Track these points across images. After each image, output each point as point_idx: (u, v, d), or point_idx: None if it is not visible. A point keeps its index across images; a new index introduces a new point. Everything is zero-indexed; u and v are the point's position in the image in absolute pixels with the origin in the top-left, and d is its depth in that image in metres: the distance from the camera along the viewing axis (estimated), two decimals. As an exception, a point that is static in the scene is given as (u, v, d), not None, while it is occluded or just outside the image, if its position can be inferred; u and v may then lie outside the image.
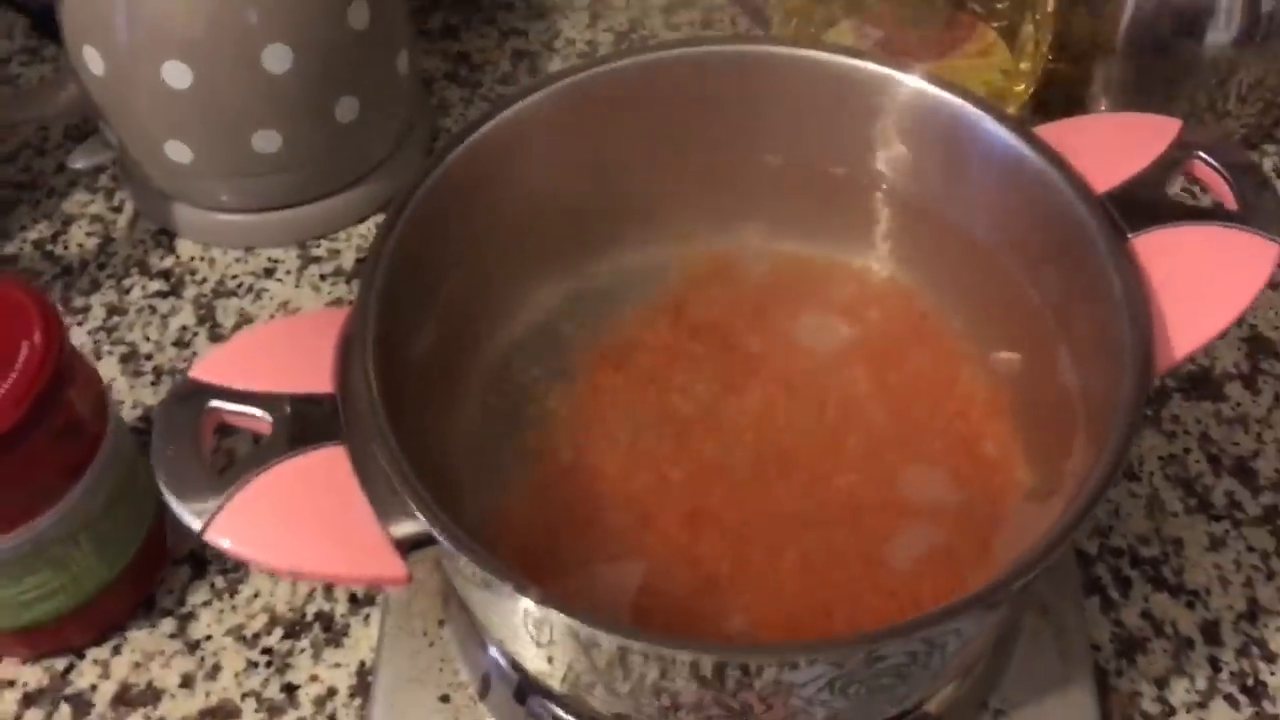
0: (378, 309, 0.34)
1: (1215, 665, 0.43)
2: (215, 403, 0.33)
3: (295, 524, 0.31)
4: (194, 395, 0.33)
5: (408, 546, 0.31)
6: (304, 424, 0.33)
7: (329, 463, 0.32)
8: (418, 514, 0.30)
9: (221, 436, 0.48)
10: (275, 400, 0.33)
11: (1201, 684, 0.43)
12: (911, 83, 0.38)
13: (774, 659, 0.28)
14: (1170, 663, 0.43)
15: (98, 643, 0.44)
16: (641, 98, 0.41)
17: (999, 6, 0.55)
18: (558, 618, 0.29)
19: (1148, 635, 0.44)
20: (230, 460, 0.49)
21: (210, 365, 0.34)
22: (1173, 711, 0.42)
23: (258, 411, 0.33)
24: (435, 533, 0.30)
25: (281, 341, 0.35)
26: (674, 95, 0.41)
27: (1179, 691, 0.43)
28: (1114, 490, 0.48)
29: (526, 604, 0.30)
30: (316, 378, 0.33)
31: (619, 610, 0.35)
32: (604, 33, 0.69)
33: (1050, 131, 0.38)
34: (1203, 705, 0.42)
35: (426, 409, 0.37)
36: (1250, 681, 0.43)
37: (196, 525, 0.30)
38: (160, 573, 0.46)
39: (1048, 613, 0.41)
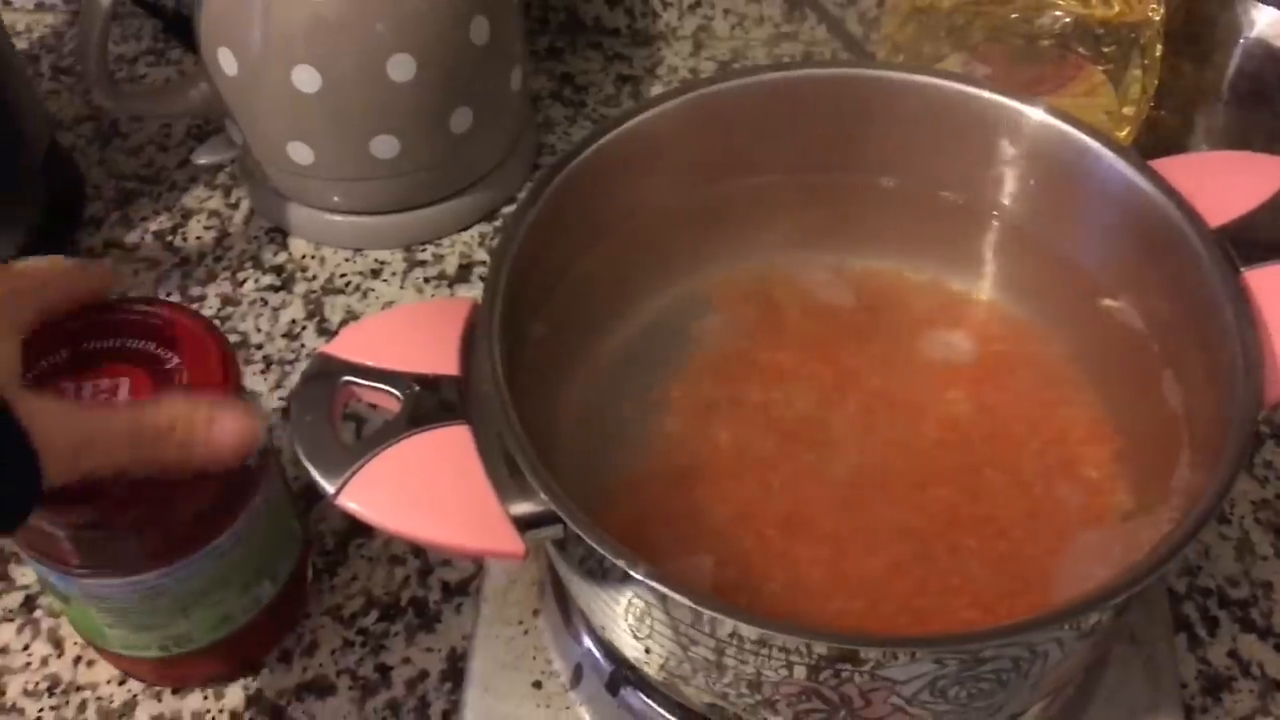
0: (503, 301, 0.36)
1: (1303, 709, 0.43)
2: (349, 378, 0.34)
3: (420, 495, 0.32)
4: (329, 370, 0.35)
5: (525, 524, 0.32)
6: (430, 403, 0.34)
7: (453, 440, 0.33)
8: (540, 494, 0.32)
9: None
10: (404, 379, 0.34)
11: (1288, 727, 0.43)
12: (1033, 114, 0.39)
13: (890, 649, 0.29)
14: (1256, 703, 0.43)
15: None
16: (756, 117, 0.42)
17: (1106, 50, 0.56)
18: (669, 597, 0.30)
19: (1234, 675, 0.44)
20: (359, 426, 0.51)
21: (343, 343, 0.35)
22: (1258, 752, 0.42)
23: (388, 388, 0.34)
24: (559, 512, 0.31)
25: (409, 325, 0.37)
26: (788, 115, 0.42)
27: (1265, 733, 0.42)
28: (1205, 532, 0.48)
29: (635, 587, 0.31)
30: (443, 360, 0.35)
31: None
32: (706, 61, 0.70)
33: (1164, 167, 0.38)
34: (1289, 748, 0.42)
35: (535, 396, 0.38)
36: (1339, 728, 0.43)
37: (330, 490, 0.32)
38: (302, 611, 0.46)
39: (1138, 642, 0.41)
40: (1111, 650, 0.41)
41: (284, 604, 0.44)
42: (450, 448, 0.33)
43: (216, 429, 0.35)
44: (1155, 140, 0.61)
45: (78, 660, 0.46)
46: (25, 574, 0.48)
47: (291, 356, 0.56)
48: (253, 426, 0.36)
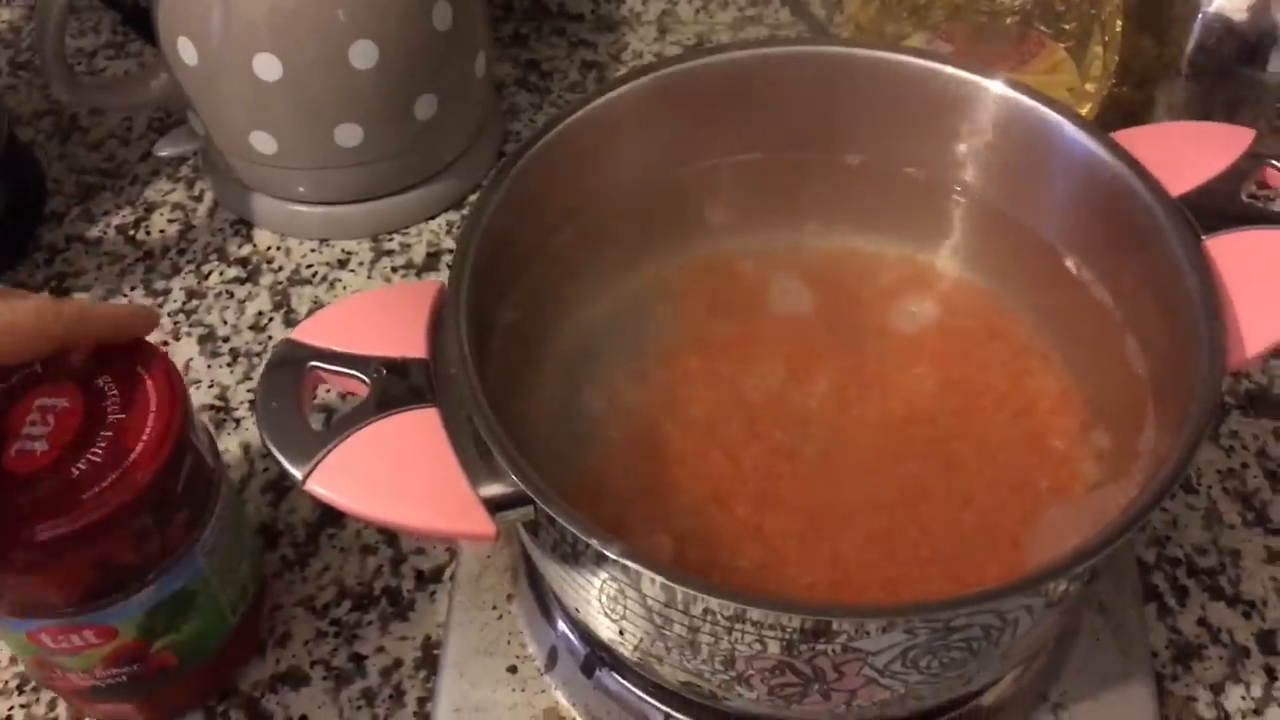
0: (470, 284, 0.36)
1: (1271, 674, 0.44)
2: (315, 364, 0.34)
3: (389, 479, 0.32)
4: (296, 356, 0.34)
5: (496, 506, 0.32)
6: (398, 387, 0.34)
7: (421, 423, 0.33)
8: (510, 475, 0.31)
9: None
10: (371, 363, 0.34)
11: (1257, 691, 0.43)
12: (994, 88, 0.39)
13: (861, 619, 0.29)
14: (1226, 670, 0.44)
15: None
16: (722, 96, 0.42)
17: (1067, 27, 0.56)
18: (642, 575, 0.30)
19: (1204, 643, 0.44)
20: (328, 416, 0.50)
21: (310, 329, 0.35)
22: (1228, 717, 0.42)
23: (355, 373, 0.34)
24: (529, 493, 0.31)
25: (376, 309, 0.36)
26: (754, 94, 0.42)
27: (1234, 698, 0.43)
28: (1172, 502, 0.48)
29: (608, 566, 0.31)
30: (410, 343, 0.35)
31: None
32: (671, 46, 0.70)
33: (1126, 138, 0.39)
34: (1258, 713, 0.43)
35: (505, 380, 0.38)
36: (1307, 691, 0.43)
37: (299, 476, 0.32)
38: (264, 621, 0.45)
39: (1107, 611, 0.42)
40: (1082, 620, 0.42)
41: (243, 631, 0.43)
42: (419, 431, 0.33)
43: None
44: (1117, 116, 0.61)
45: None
46: None
47: (259, 349, 0.55)
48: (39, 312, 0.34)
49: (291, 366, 0.34)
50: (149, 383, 0.37)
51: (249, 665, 0.44)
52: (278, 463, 0.33)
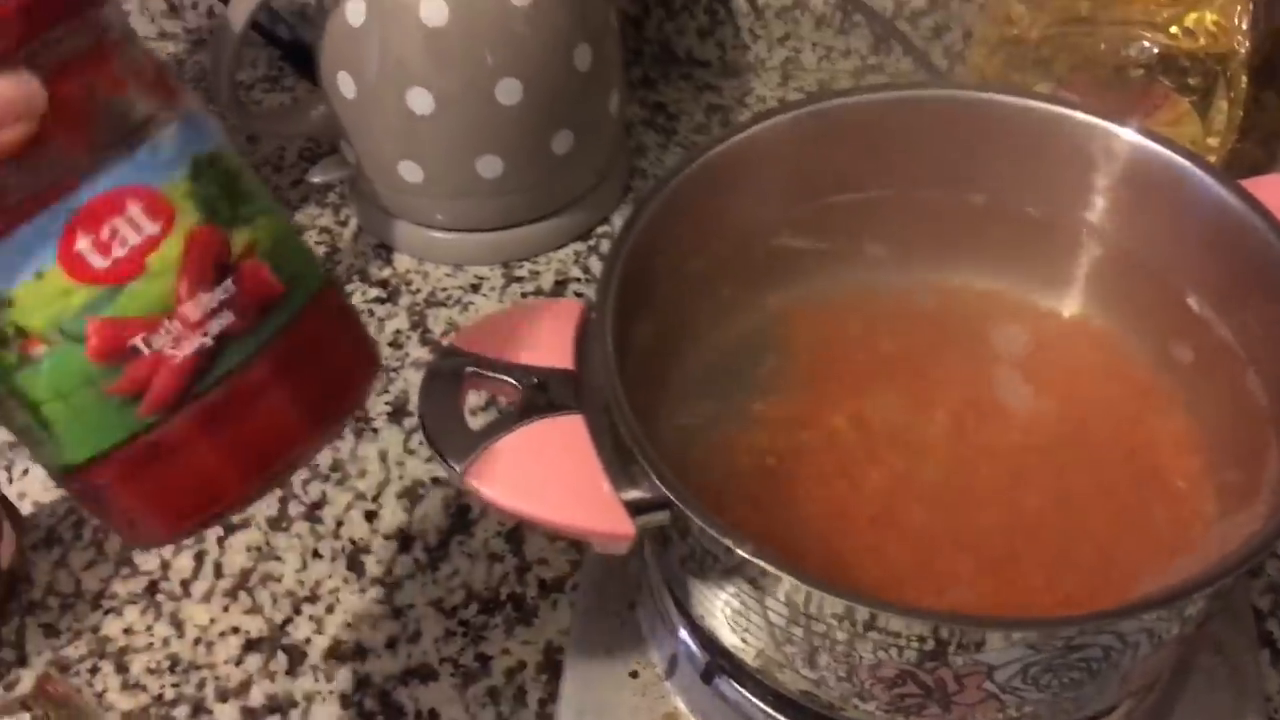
0: (615, 301, 0.38)
1: (1389, 727, 0.43)
2: (473, 369, 0.37)
3: (538, 478, 0.35)
4: (455, 362, 0.37)
5: (636, 509, 0.34)
6: (546, 394, 0.36)
7: (568, 429, 0.35)
8: (651, 479, 0.34)
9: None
10: (524, 371, 0.37)
11: (1375, 744, 0.43)
12: (1125, 134, 0.41)
13: (987, 628, 0.30)
14: (1342, 721, 0.44)
15: (307, 599, 0.48)
16: (856, 136, 0.44)
17: (1191, 82, 0.57)
18: (776, 577, 0.32)
19: (1319, 693, 0.44)
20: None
21: (467, 337, 0.38)
22: (1344, 767, 0.42)
23: (508, 379, 0.37)
24: (670, 496, 0.33)
25: (526, 323, 0.39)
26: (886, 135, 0.44)
27: (1350, 749, 0.43)
28: (1289, 551, 0.49)
29: (739, 571, 0.33)
30: (558, 355, 0.37)
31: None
32: (794, 92, 0.73)
33: (1252, 185, 0.40)
34: (1375, 765, 0.42)
35: (637, 398, 0.40)
36: None
37: (457, 470, 0.34)
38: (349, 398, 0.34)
39: (1223, 652, 0.42)
40: (1198, 659, 0.42)
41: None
42: (566, 435, 0.35)
43: None
44: (1241, 170, 0.61)
45: (197, 641, 0.48)
46: (148, 560, 0.51)
47: (396, 364, 0.58)
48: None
49: (450, 370, 0.37)
50: None
51: (381, 659, 0.47)
52: (412, 471, 0.35)
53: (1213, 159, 0.58)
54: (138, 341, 0.29)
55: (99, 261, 0.28)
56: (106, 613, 0.49)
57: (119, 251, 0.28)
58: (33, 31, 0.27)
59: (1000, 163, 0.43)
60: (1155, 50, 0.56)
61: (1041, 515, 0.40)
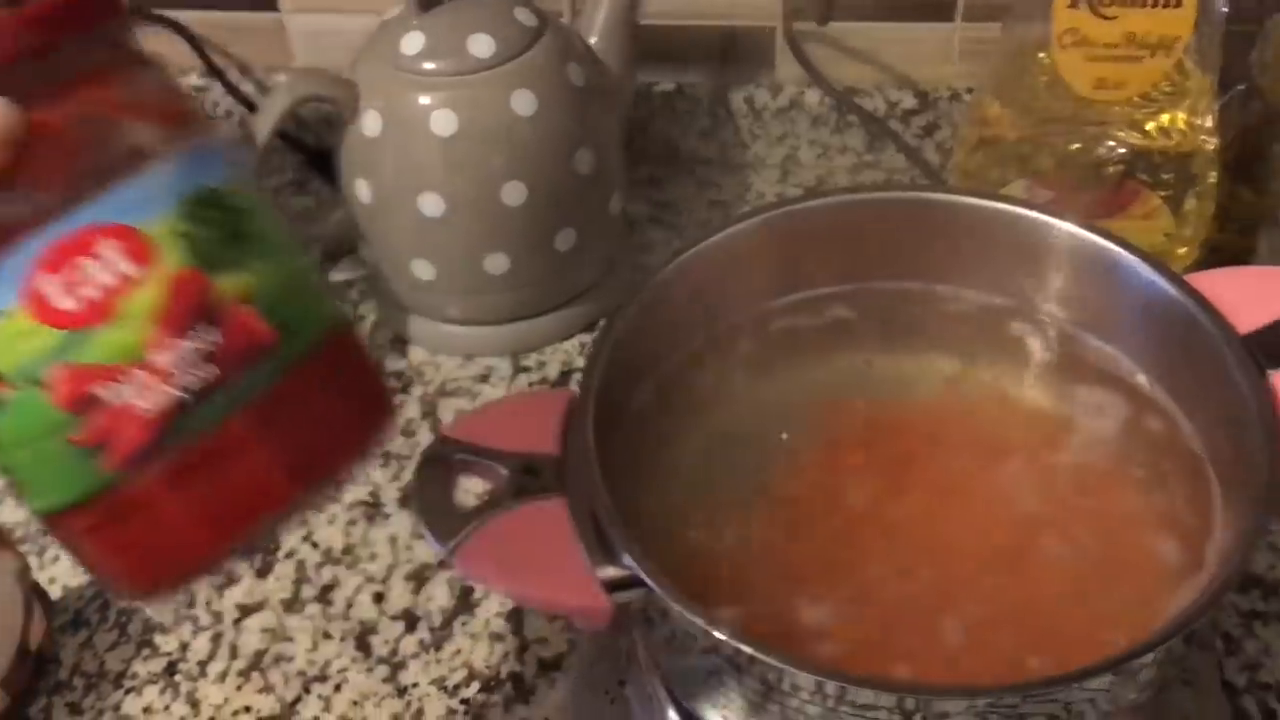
0: (597, 392, 0.41)
1: (1364, 803, 0.44)
2: (462, 456, 0.40)
3: (521, 557, 0.37)
4: (446, 450, 0.40)
5: (611, 587, 0.37)
6: (532, 479, 0.39)
7: (550, 512, 0.38)
8: (624, 558, 0.36)
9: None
10: (509, 457, 0.40)
11: (1349, 819, 0.44)
12: (1071, 229, 0.43)
13: (932, 696, 0.32)
14: (1317, 797, 0.44)
15: (317, 679, 0.50)
16: (823, 234, 0.47)
17: (1164, 178, 0.60)
18: (740, 650, 0.34)
19: (1295, 769, 0.45)
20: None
21: (458, 427, 0.41)
22: (1318, 843, 0.43)
23: (495, 465, 0.39)
24: (641, 575, 0.35)
25: (514, 412, 0.42)
26: (857, 230, 0.47)
27: (1326, 825, 0.44)
28: (1265, 629, 0.50)
29: (713, 650, 0.35)
30: (543, 441, 0.40)
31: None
32: (793, 187, 0.76)
33: (1201, 279, 0.42)
34: (1350, 840, 0.43)
35: (628, 479, 0.42)
36: (1400, 822, 0.44)
37: (445, 551, 0.37)
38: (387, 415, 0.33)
39: (1193, 728, 0.43)
40: (1168, 735, 0.43)
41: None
42: (548, 518, 0.38)
43: None
44: (1221, 259, 0.64)
45: (211, 719, 0.51)
46: (168, 641, 0.54)
47: (407, 452, 0.61)
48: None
49: (442, 458, 0.40)
50: None
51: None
52: (419, 554, 0.38)
53: (1186, 249, 0.61)
54: (101, 391, 0.26)
55: (66, 303, 0.26)
56: (128, 692, 0.52)
57: (88, 293, 0.26)
58: (33, 47, 0.25)
59: (958, 256, 0.46)
60: (1124, 150, 0.58)
61: (1009, 590, 0.42)
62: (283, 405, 0.29)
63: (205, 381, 0.27)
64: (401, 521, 0.57)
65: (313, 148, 0.76)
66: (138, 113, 0.27)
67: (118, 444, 0.27)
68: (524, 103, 0.59)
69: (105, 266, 0.26)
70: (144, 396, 0.27)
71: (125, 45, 0.28)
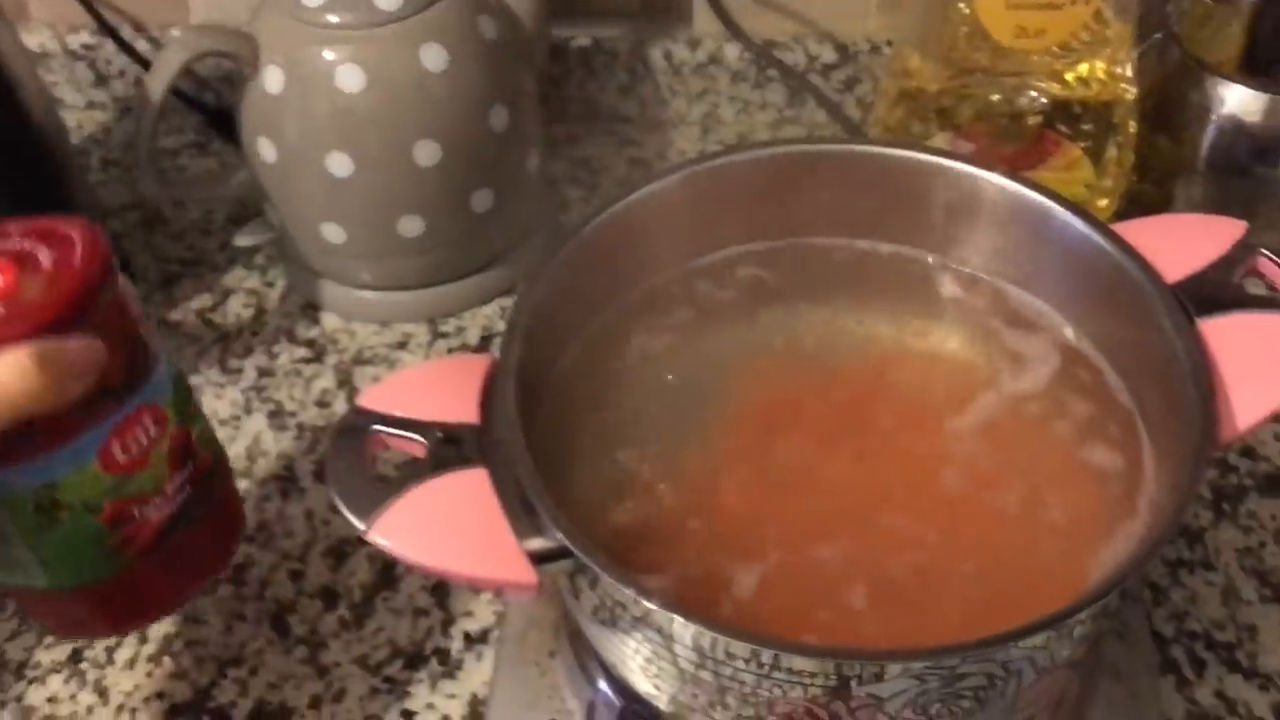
0: (519, 356, 0.39)
1: (1288, 745, 0.45)
2: (378, 427, 0.38)
3: (441, 531, 0.36)
4: (361, 421, 0.38)
5: (538, 558, 0.35)
6: (452, 449, 0.37)
7: (472, 482, 0.36)
8: (552, 529, 0.35)
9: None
10: (428, 427, 0.38)
11: (1274, 762, 0.44)
12: (997, 181, 0.43)
13: (866, 660, 0.31)
14: (1243, 741, 0.45)
15: (232, 662, 0.48)
16: (748, 189, 0.46)
17: (1085, 128, 0.60)
18: (672, 620, 0.33)
19: (1221, 714, 0.46)
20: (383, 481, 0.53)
21: (374, 397, 0.39)
22: (1245, 786, 0.44)
23: (414, 436, 0.38)
24: (569, 545, 0.34)
25: (433, 380, 0.40)
26: (782, 186, 0.46)
27: (1251, 768, 0.44)
28: (1191, 577, 0.50)
29: (643, 617, 0.34)
30: (464, 410, 0.38)
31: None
32: (714, 144, 0.75)
33: (1128, 228, 0.42)
34: (1275, 782, 0.44)
35: (552, 445, 0.41)
36: (1322, 762, 0.44)
37: (361, 527, 0.35)
38: (234, 547, 0.46)
39: (1122, 679, 0.43)
40: (1098, 686, 0.43)
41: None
42: (470, 488, 0.36)
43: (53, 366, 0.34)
44: (1139, 211, 0.64)
45: (120, 708, 0.48)
46: (72, 628, 0.51)
47: (323, 423, 0.59)
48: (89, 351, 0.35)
49: (357, 430, 0.38)
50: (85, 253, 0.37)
51: (305, 719, 0.47)
52: (338, 529, 0.36)
53: (1107, 200, 0.61)
54: (135, 511, 0.40)
55: (122, 458, 0.38)
56: (30, 682, 0.49)
57: (135, 451, 0.39)
58: (88, 301, 0.36)
59: (883, 210, 0.45)
60: (1045, 101, 0.58)
61: (940, 547, 0.41)
62: (216, 506, 0.44)
63: (187, 497, 0.41)
64: (317, 496, 0.55)
65: (213, 107, 0.73)
66: (142, 324, 0.40)
67: (136, 543, 0.40)
68: (434, 57, 0.57)
69: (144, 431, 0.39)
70: (157, 511, 0.40)
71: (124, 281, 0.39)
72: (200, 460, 0.42)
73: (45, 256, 0.37)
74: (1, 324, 0.35)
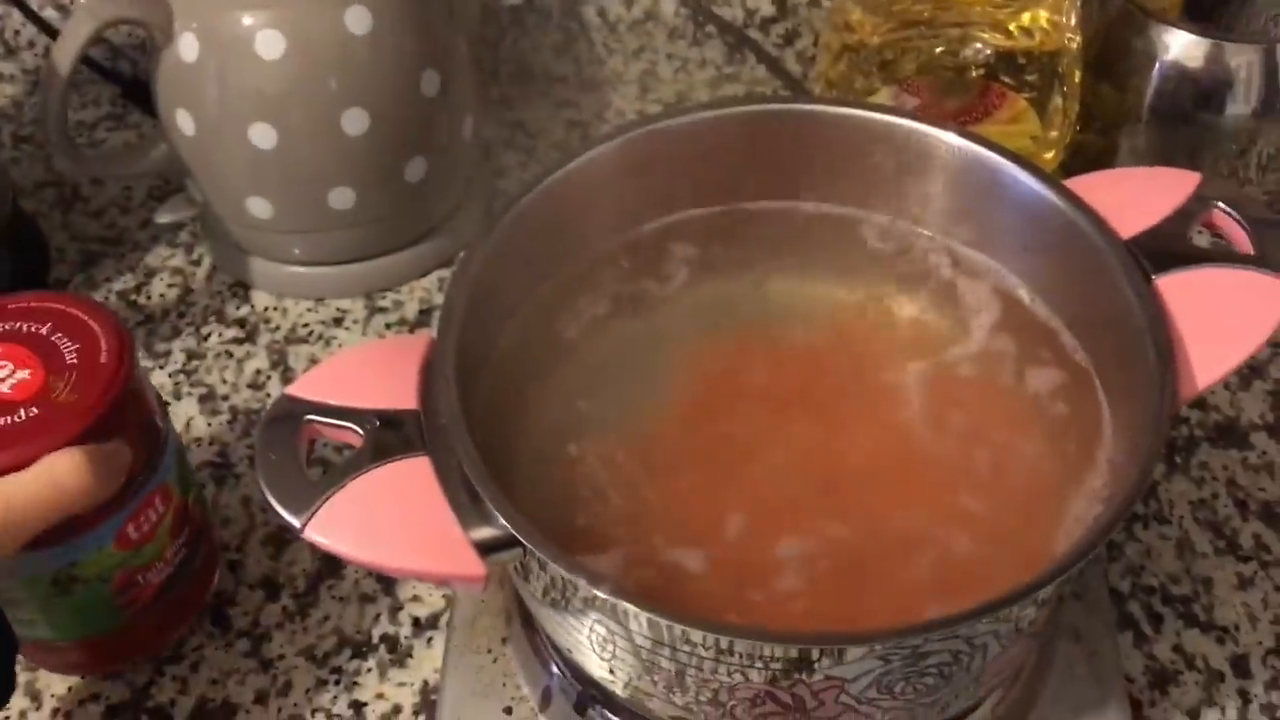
0: (458, 335, 0.38)
1: (1245, 697, 0.45)
2: (311, 417, 0.36)
3: (383, 525, 0.34)
4: (292, 411, 0.36)
5: (486, 549, 0.34)
6: (391, 437, 0.36)
7: (413, 471, 0.35)
8: (499, 518, 0.33)
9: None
10: (364, 415, 0.36)
11: (1232, 715, 0.44)
12: (949, 138, 0.41)
13: (829, 643, 0.30)
14: (1201, 694, 0.45)
15: (171, 659, 0.47)
16: (697, 150, 0.44)
17: (1029, 79, 0.58)
18: (625, 609, 0.31)
19: (1180, 668, 0.46)
20: (324, 468, 0.51)
21: (306, 384, 0.37)
22: (1205, 740, 0.44)
23: (349, 425, 0.36)
24: (517, 535, 0.33)
25: (368, 363, 0.38)
26: (725, 149, 0.44)
27: (1210, 722, 0.44)
28: (1145, 532, 0.50)
29: (596, 605, 0.33)
30: (402, 395, 0.36)
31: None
32: (653, 104, 0.73)
33: (1080, 184, 0.41)
34: (1234, 735, 0.44)
35: (495, 427, 0.39)
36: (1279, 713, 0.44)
37: (296, 524, 0.33)
38: (213, 582, 0.49)
39: (1082, 640, 0.43)
40: (1057, 648, 0.43)
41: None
42: (411, 478, 0.35)
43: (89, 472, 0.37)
44: (1083, 162, 0.64)
45: (55, 712, 0.46)
46: (0, 630, 0.49)
47: (257, 406, 0.57)
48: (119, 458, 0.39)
49: (288, 420, 0.36)
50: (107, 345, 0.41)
51: (251, 714, 0.46)
52: (278, 516, 0.34)
53: (1053, 152, 0.60)
54: (140, 578, 0.43)
55: (135, 536, 0.42)
56: (-43, 690, 0.47)
57: (146, 528, 0.42)
58: (122, 403, 0.40)
59: (831, 170, 0.44)
60: (989, 51, 0.57)
61: (900, 517, 0.40)
62: (201, 562, 0.47)
63: (183, 558, 0.45)
64: (253, 482, 0.53)
65: (129, 77, 0.70)
66: (155, 406, 0.43)
67: (139, 602, 0.44)
68: (358, 19, 0.54)
69: (154, 511, 0.43)
70: (158, 574, 0.44)
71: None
72: (194, 522, 0.46)
73: (68, 349, 0.40)
74: (41, 428, 0.38)
